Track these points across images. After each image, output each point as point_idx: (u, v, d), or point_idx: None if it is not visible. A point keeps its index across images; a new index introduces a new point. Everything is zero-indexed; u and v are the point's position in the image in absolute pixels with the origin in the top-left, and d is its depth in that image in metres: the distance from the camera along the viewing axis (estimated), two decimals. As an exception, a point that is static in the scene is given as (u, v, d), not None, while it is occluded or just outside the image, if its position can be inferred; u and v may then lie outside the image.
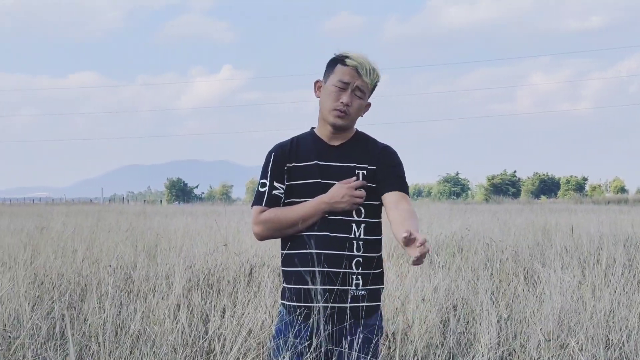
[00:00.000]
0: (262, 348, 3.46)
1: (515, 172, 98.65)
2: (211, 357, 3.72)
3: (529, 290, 4.74)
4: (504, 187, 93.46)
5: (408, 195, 2.91)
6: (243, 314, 4.38)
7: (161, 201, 79.03)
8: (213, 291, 5.82)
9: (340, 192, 2.81)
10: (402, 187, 2.89)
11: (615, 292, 4.72)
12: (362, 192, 2.84)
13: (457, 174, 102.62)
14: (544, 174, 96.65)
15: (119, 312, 4.77)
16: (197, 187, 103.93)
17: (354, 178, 2.86)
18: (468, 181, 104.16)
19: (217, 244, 8.44)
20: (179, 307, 4.58)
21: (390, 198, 2.84)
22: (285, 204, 2.91)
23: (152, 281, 6.03)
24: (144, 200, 79.34)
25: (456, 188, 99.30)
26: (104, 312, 4.56)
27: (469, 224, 12.21)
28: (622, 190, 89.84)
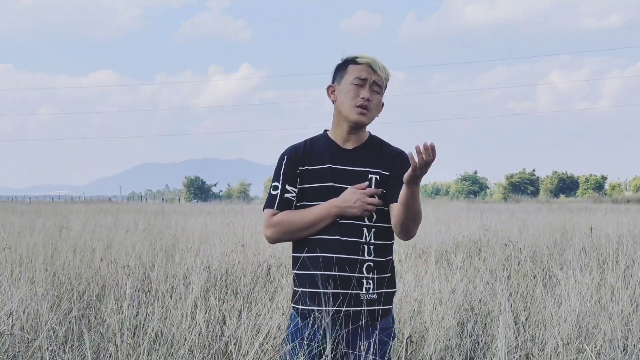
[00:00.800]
0: (279, 351, 3.46)
1: (534, 170, 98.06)
2: (228, 360, 3.73)
3: (547, 292, 4.70)
4: (523, 186, 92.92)
5: None
6: (260, 316, 4.38)
7: (179, 199, 79.36)
8: (230, 292, 5.84)
9: (353, 197, 2.81)
10: None
11: (634, 294, 4.68)
12: (376, 200, 2.83)
13: (475, 173, 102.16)
14: (563, 173, 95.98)
15: (137, 313, 4.79)
16: (215, 185, 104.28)
17: (367, 183, 2.85)
18: (486, 180, 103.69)
19: (234, 244, 8.47)
20: (197, 308, 4.59)
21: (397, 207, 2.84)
22: (297, 208, 2.91)
23: (170, 282, 6.07)
24: (162, 199, 79.74)
25: (474, 187, 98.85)
26: (122, 312, 4.59)
27: (487, 224, 12.15)
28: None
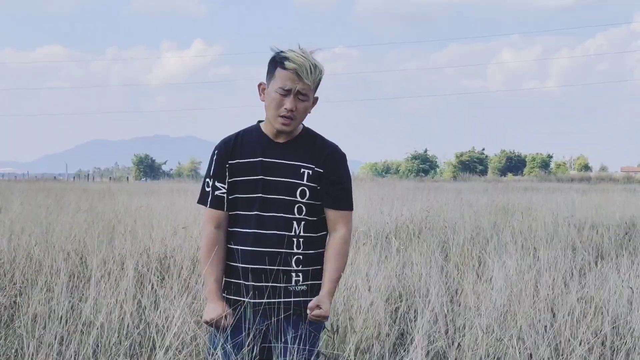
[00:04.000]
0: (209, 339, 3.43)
1: (483, 149, 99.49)
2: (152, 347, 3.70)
3: (478, 277, 4.77)
4: (472, 165, 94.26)
5: (350, 207, 2.96)
6: (192, 304, 4.36)
7: (128, 178, 78.29)
8: (167, 277, 5.79)
9: (209, 315, 2.88)
10: (345, 203, 2.93)
11: (562, 277, 4.80)
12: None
13: (425, 151, 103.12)
14: (510, 152, 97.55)
15: (70, 299, 4.72)
16: (165, 163, 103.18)
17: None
18: (436, 158, 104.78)
19: (176, 226, 8.39)
20: (129, 294, 4.54)
21: (331, 216, 2.92)
22: (229, 201, 2.92)
23: (107, 267, 5.98)
24: (110, 177, 78.54)
25: (424, 165, 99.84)
26: (54, 299, 4.51)
27: (431, 205, 12.29)
28: (586, 168, 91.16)
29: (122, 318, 3.90)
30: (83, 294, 4.99)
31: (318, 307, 2.81)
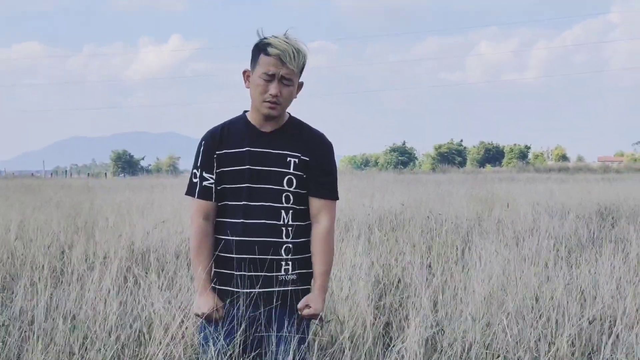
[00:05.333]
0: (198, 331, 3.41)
1: (461, 141, 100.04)
2: (142, 343, 3.68)
3: (464, 267, 4.79)
4: (451, 156, 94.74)
5: (335, 197, 2.97)
6: (178, 295, 4.34)
7: (106, 174, 77.75)
8: (151, 271, 5.75)
9: (200, 307, 2.88)
10: (329, 192, 2.94)
11: (546, 266, 4.83)
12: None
13: (403, 144, 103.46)
14: (489, 143, 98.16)
15: (51, 295, 4.66)
16: (143, 159, 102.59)
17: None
18: (415, 150, 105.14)
19: (156, 220, 8.34)
20: (114, 289, 4.50)
21: (314, 205, 2.92)
22: (217, 192, 2.91)
23: (89, 262, 5.94)
24: (88, 174, 77.95)
25: (403, 158, 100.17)
26: (37, 294, 4.46)
27: (412, 197, 12.33)
28: (564, 158, 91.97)
29: (107, 312, 3.85)
30: (64, 290, 4.94)
31: (308, 306, 2.85)
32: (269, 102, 2.82)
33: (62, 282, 5.21)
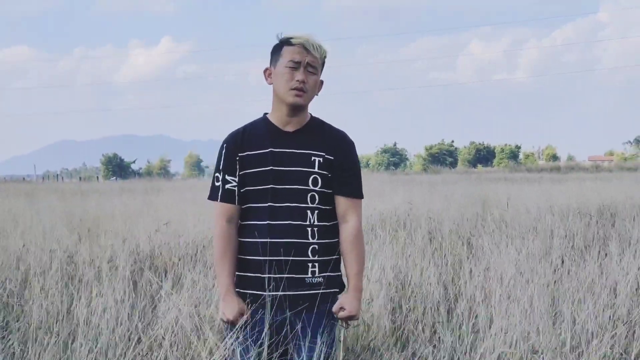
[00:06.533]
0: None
1: (452, 141, 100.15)
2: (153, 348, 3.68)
3: (474, 266, 4.80)
4: (442, 157, 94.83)
5: (361, 195, 2.96)
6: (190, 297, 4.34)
7: (98, 178, 77.41)
8: (159, 274, 5.75)
9: (226, 313, 2.87)
10: (355, 191, 2.93)
11: (562, 263, 4.83)
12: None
13: (394, 145, 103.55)
14: (480, 143, 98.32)
15: (62, 299, 4.66)
16: (134, 162, 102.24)
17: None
18: (406, 151, 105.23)
19: (158, 224, 8.32)
20: (125, 293, 4.50)
21: (340, 204, 2.91)
22: (240, 195, 2.90)
23: (96, 266, 5.93)
24: (80, 178, 77.55)
25: (394, 159, 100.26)
26: (47, 299, 4.45)
27: (410, 198, 12.35)
28: (555, 157, 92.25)
29: (118, 318, 3.85)
30: (74, 295, 4.93)
31: (342, 308, 2.83)
32: (295, 89, 2.82)
33: (75, 287, 5.20)
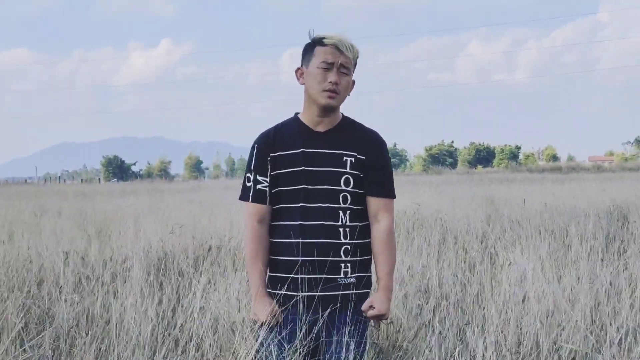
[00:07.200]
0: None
1: (452, 142, 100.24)
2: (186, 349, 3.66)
3: (501, 269, 4.76)
4: (442, 158, 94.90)
5: (393, 195, 2.95)
6: (215, 299, 4.32)
7: (99, 179, 77.42)
8: (178, 275, 5.73)
9: (259, 314, 2.86)
10: (388, 191, 2.92)
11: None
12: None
13: (394, 146, 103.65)
14: (479, 144, 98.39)
15: (79, 300, 4.64)
16: (134, 164, 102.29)
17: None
18: (406, 152, 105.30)
19: (171, 225, 8.31)
20: (143, 293, 4.48)
21: (373, 204, 2.90)
22: (271, 195, 2.90)
23: (110, 267, 5.91)
24: (81, 180, 77.57)
25: (394, 159, 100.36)
26: (66, 301, 4.43)
27: (414, 199, 12.33)
28: (555, 158, 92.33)
29: (145, 318, 3.82)
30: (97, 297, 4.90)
31: (371, 307, 2.82)
32: (328, 90, 2.81)
33: (90, 289, 5.18)
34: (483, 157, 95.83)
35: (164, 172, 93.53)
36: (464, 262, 5.39)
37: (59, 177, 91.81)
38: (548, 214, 8.71)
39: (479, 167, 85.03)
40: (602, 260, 5.12)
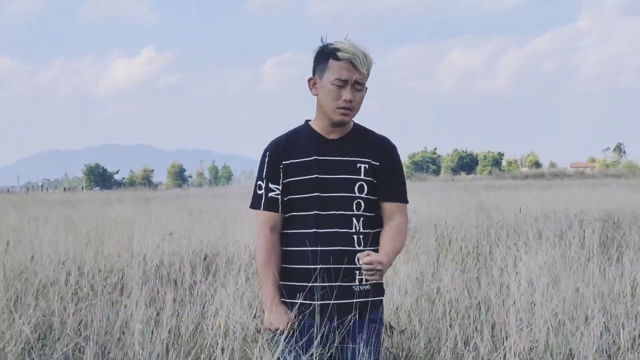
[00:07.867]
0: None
1: (435, 149, 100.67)
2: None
3: (507, 275, 4.78)
4: (425, 165, 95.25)
5: (406, 200, 2.92)
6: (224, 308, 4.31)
7: (82, 188, 76.90)
8: (177, 283, 5.71)
9: (273, 323, 2.82)
10: (401, 196, 2.89)
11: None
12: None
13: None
14: (462, 151, 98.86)
15: (83, 311, 4.60)
16: (117, 172, 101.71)
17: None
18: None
19: (162, 233, 8.27)
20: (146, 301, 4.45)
21: (387, 209, 2.86)
22: (283, 203, 2.87)
23: (108, 277, 5.88)
24: (64, 188, 76.99)
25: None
26: (65, 311, 4.39)
27: (408, 206, 12.39)
28: (537, 164, 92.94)
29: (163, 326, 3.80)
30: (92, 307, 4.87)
31: (368, 255, 2.62)
32: (342, 107, 2.78)
33: (90, 299, 5.14)
34: (466, 164, 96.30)
35: (146, 181, 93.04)
36: (465, 271, 5.40)
37: (41, 185, 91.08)
38: (542, 220, 8.76)
39: (463, 173, 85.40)
40: (600, 266, 5.17)
